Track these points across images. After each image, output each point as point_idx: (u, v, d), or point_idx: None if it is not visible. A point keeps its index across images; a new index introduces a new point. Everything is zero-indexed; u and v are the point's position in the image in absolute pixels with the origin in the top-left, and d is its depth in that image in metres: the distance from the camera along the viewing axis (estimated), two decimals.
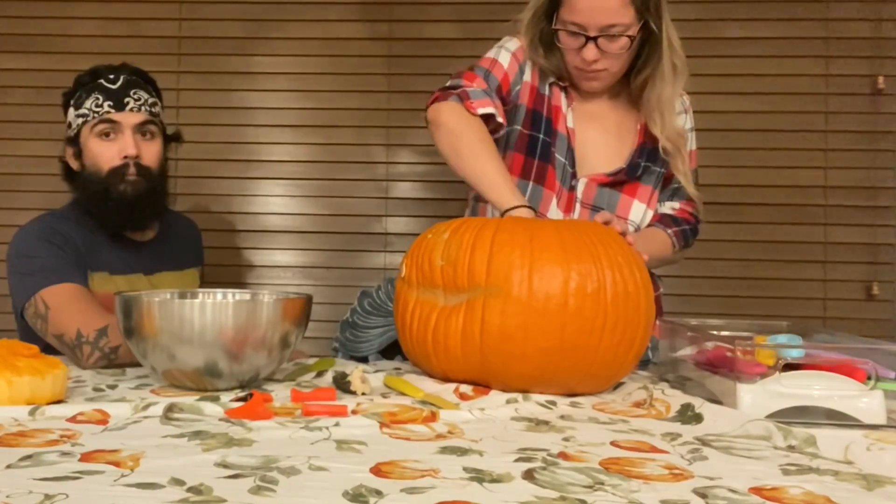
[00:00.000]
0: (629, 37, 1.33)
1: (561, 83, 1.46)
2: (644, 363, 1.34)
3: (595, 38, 1.32)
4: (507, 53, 1.44)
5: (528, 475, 0.69)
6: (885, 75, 2.12)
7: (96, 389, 1.08)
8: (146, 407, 0.91)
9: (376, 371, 1.20)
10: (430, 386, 1.07)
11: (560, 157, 1.44)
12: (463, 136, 1.32)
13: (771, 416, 0.91)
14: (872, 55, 2.14)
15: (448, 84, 1.41)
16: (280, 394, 1.03)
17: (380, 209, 2.22)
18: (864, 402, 0.92)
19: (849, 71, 2.14)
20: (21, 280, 1.36)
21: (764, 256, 2.14)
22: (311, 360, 1.29)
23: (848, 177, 2.14)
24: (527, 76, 1.45)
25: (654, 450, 0.79)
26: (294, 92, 2.23)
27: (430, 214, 2.17)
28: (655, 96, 1.40)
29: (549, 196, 1.43)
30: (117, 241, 1.49)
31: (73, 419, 0.87)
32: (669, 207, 1.51)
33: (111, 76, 1.46)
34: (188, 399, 0.94)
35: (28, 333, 1.39)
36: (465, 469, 0.70)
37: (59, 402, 0.95)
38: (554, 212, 1.43)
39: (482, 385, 1.06)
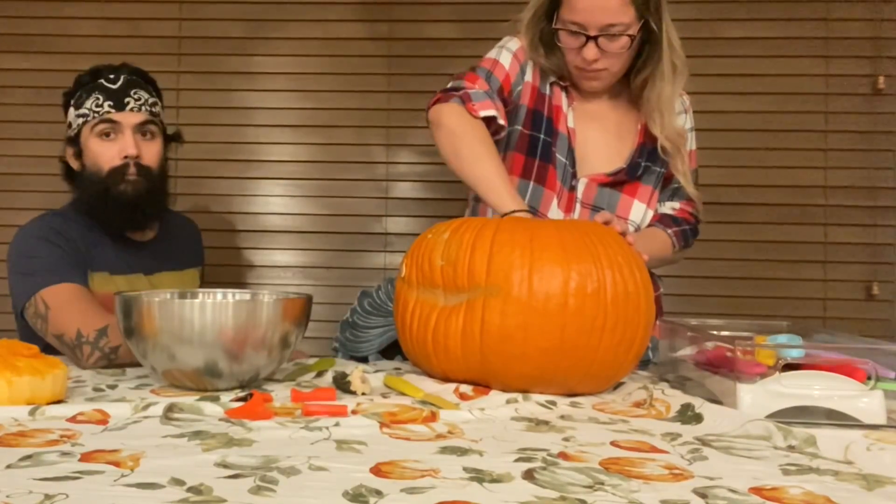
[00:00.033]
0: (629, 36, 1.33)
1: (562, 83, 1.46)
2: (644, 363, 1.34)
3: (595, 38, 1.32)
4: (508, 54, 1.44)
5: (528, 475, 0.69)
6: (885, 75, 2.12)
7: (96, 389, 1.08)
8: (146, 407, 0.91)
9: (376, 371, 1.20)
10: (430, 386, 1.07)
11: (561, 157, 1.44)
12: (464, 139, 1.32)
13: (771, 416, 0.91)
14: (872, 55, 2.14)
15: (450, 86, 1.41)
16: (280, 394, 1.03)
17: (380, 209, 2.22)
18: (864, 402, 0.92)
19: (849, 71, 2.14)
20: (21, 280, 1.36)
21: (764, 256, 2.14)
22: (311, 360, 1.29)
23: (848, 177, 2.14)
24: (528, 76, 1.45)
25: (654, 450, 0.79)
26: (294, 92, 2.23)
27: (430, 214, 2.17)
28: (655, 96, 1.40)
29: (550, 196, 1.43)
30: (117, 240, 1.49)
31: (73, 419, 0.87)
32: (669, 207, 1.51)
33: (111, 76, 1.46)
34: (188, 399, 0.94)
35: (28, 333, 1.39)
36: (465, 469, 0.70)
37: (59, 402, 0.95)
38: (554, 212, 1.43)
39: (482, 385, 1.06)
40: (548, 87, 1.46)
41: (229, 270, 2.21)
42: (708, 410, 0.93)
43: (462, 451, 0.76)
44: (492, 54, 1.45)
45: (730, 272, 2.15)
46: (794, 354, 0.97)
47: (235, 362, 1.03)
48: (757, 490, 0.66)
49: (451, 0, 2.21)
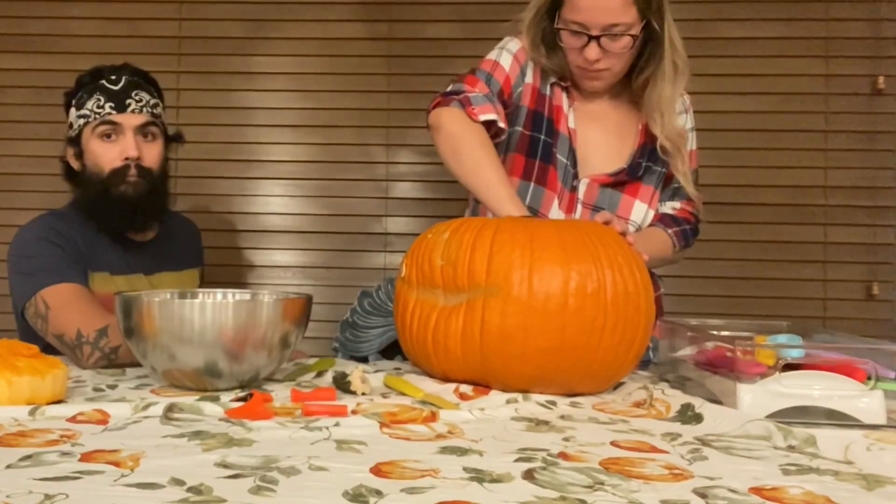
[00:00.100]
0: (631, 36, 1.33)
1: (562, 83, 1.45)
2: (644, 363, 1.34)
3: (597, 38, 1.32)
4: (508, 55, 1.44)
5: (528, 475, 0.69)
6: (885, 75, 2.12)
7: (96, 389, 1.08)
8: (146, 407, 0.91)
9: (376, 371, 1.20)
10: (430, 386, 1.07)
11: (561, 158, 1.44)
12: (464, 143, 1.32)
13: (771, 416, 0.91)
14: (872, 55, 2.14)
15: (449, 89, 1.41)
16: (280, 394, 1.03)
17: (380, 209, 2.22)
18: (864, 402, 0.92)
19: (849, 71, 2.14)
20: (21, 280, 1.37)
21: (764, 256, 2.14)
22: (311, 360, 1.29)
23: (848, 177, 2.14)
24: (528, 78, 1.45)
25: (654, 450, 0.79)
26: (294, 92, 2.23)
27: (430, 214, 2.17)
28: (656, 96, 1.40)
29: (551, 197, 1.43)
30: (118, 241, 1.49)
31: (73, 419, 0.87)
32: (670, 207, 1.51)
33: (113, 77, 1.46)
34: (188, 399, 0.94)
35: (28, 333, 1.39)
36: (465, 469, 0.70)
37: (59, 402, 0.95)
38: (555, 212, 1.43)
39: (482, 385, 1.06)
40: (548, 87, 1.46)
41: (229, 270, 2.21)
42: (708, 410, 0.93)
43: (462, 451, 0.76)
44: (492, 56, 1.45)
45: (730, 272, 2.15)
46: (794, 354, 0.97)
47: (235, 362, 1.03)
48: (757, 490, 0.66)
49: (451, 0, 2.21)
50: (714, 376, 1.03)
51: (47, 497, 0.60)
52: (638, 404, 1.02)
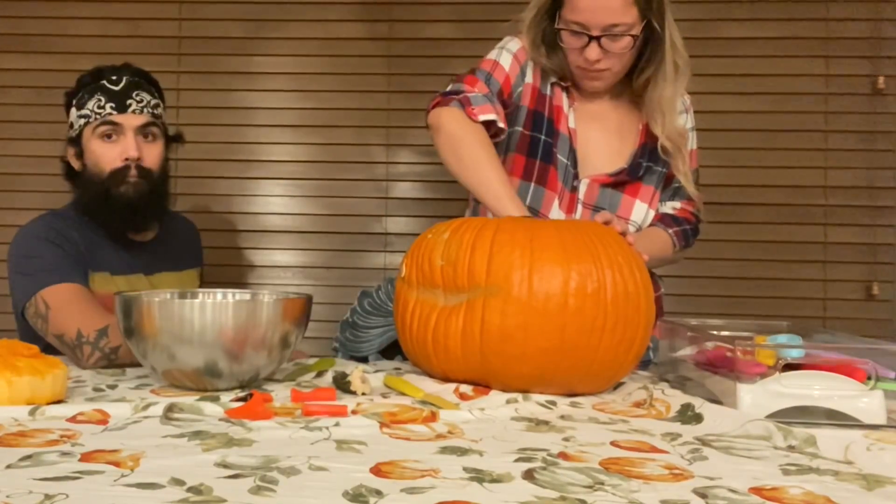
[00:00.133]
0: (632, 36, 1.32)
1: (563, 83, 1.45)
2: (644, 363, 1.34)
3: (598, 38, 1.32)
4: (508, 55, 1.44)
5: (528, 475, 0.69)
6: (885, 75, 2.12)
7: (96, 389, 1.08)
8: (146, 407, 0.91)
9: (376, 371, 1.20)
10: (430, 386, 1.07)
11: (562, 158, 1.43)
12: (464, 143, 1.32)
13: (771, 416, 0.91)
14: (872, 55, 2.14)
15: (449, 89, 1.41)
16: (280, 394, 1.03)
17: (380, 209, 2.22)
18: (864, 402, 0.92)
19: (849, 71, 2.14)
20: (22, 280, 1.37)
21: (764, 256, 2.14)
22: (311, 360, 1.29)
23: (848, 177, 2.14)
24: (528, 77, 1.45)
25: (654, 450, 0.79)
26: (294, 92, 2.23)
27: (430, 214, 2.17)
28: (657, 96, 1.40)
29: (551, 197, 1.43)
30: (118, 241, 1.49)
31: (73, 419, 0.87)
32: (670, 207, 1.51)
33: (114, 77, 1.46)
34: (188, 399, 0.94)
35: (28, 333, 1.39)
36: (465, 469, 0.70)
37: (59, 402, 0.95)
38: (556, 212, 1.43)
39: (482, 385, 1.06)
40: (548, 87, 1.46)
41: (229, 270, 2.21)
42: (708, 410, 0.93)
43: (462, 451, 0.76)
44: (492, 55, 1.45)
45: (730, 272, 2.15)
46: (794, 354, 0.97)
47: (235, 362, 1.03)
48: (757, 490, 0.66)
49: (451, 0, 2.21)
50: (714, 376, 1.03)
51: (47, 497, 0.60)
52: (638, 404, 1.02)
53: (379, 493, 0.63)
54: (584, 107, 1.47)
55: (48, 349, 1.22)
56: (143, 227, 1.52)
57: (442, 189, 2.18)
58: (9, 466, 0.68)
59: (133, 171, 1.44)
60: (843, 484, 0.69)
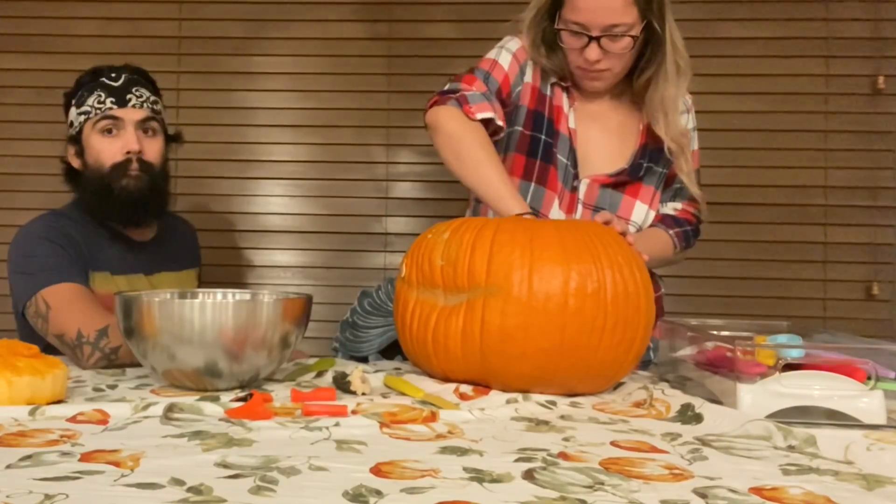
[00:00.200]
0: (632, 37, 1.32)
1: (563, 83, 1.45)
2: (644, 363, 1.34)
3: (598, 38, 1.32)
4: (507, 54, 1.44)
5: (528, 475, 0.69)
6: (885, 75, 2.12)
7: (96, 389, 1.08)
8: (146, 407, 0.91)
9: (376, 371, 1.20)
10: (430, 386, 1.07)
11: (562, 158, 1.43)
12: (463, 142, 1.32)
13: (771, 416, 0.91)
14: (872, 55, 2.14)
15: (447, 88, 1.40)
16: (280, 394, 1.03)
17: (380, 209, 2.22)
18: (864, 402, 0.92)
19: (849, 71, 2.14)
20: (22, 279, 1.37)
21: (764, 256, 2.14)
22: (311, 360, 1.29)
23: (848, 177, 2.14)
24: (528, 77, 1.45)
25: (654, 450, 0.79)
26: (294, 92, 2.23)
27: (430, 214, 2.17)
28: (659, 97, 1.39)
29: (551, 197, 1.43)
30: (118, 240, 1.49)
31: (73, 419, 0.87)
32: (671, 208, 1.51)
33: (113, 74, 1.47)
34: (188, 399, 0.94)
35: (28, 333, 1.39)
36: (465, 469, 0.70)
37: (59, 402, 0.95)
38: (556, 213, 1.43)
39: (482, 385, 1.06)
40: (548, 87, 1.46)
41: (229, 270, 2.21)
42: (708, 410, 0.93)
43: (462, 451, 0.76)
44: (491, 55, 1.45)
45: (730, 272, 2.15)
46: (794, 354, 0.97)
47: (235, 362, 1.03)
48: (757, 490, 0.66)
49: (451, 0, 2.21)
50: (714, 376, 1.03)
51: (47, 497, 0.60)
52: (638, 404, 1.02)
53: (379, 493, 0.63)
54: (584, 107, 1.47)
55: (48, 349, 1.22)
56: (143, 223, 1.52)
57: (442, 189, 2.18)
58: (9, 466, 0.68)
59: (134, 165, 1.44)
60: (843, 484, 0.69)
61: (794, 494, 0.65)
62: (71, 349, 1.28)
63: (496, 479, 0.67)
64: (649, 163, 1.46)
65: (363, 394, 1.03)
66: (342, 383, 1.06)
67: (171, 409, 0.90)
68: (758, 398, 0.93)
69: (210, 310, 1.03)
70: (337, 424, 0.86)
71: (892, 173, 2.13)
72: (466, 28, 2.19)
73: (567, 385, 1.05)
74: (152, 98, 1.49)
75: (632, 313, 1.04)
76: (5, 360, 0.93)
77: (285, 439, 0.80)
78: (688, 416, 0.94)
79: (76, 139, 1.48)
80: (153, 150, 1.48)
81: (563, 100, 1.45)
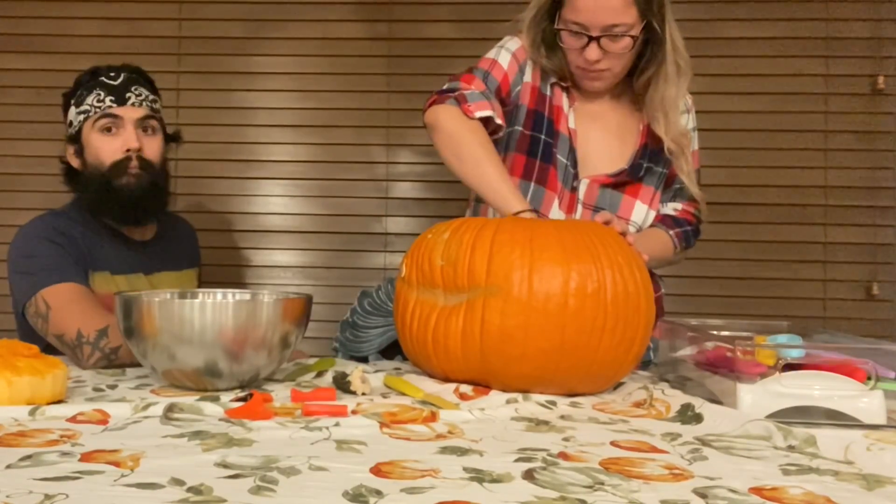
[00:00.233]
0: (632, 37, 1.32)
1: (563, 83, 1.45)
2: (644, 363, 1.34)
3: (598, 38, 1.32)
4: (507, 54, 1.44)
5: (528, 475, 0.69)
6: (885, 75, 2.12)
7: (96, 389, 1.08)
8: (146, 407, 0.91)
9: (376, 371, 1.20)
10: (430, 386, 1.07)
11: (561, 158, 1.43)
12: (463, 141, 1.32)
13: (771, 416, 0.91)
14: (872, 55, 2.14)
15: (445, 87, 1.40)
16: (280, 394, 1.03)
17: (380, 209, 2.22)
18: (864, 402, 0.92)
19: (849, 71, 2.14)
20: (22, 279, 1.37)
21: (764, 256, 2.14)
22: (311, 360, 1.29)
23: (848, 177, 2.14)
24: (527, 76, 1.45)
25: (654, 450, 0.79)
26: (294, 92, 2.23)
27: (430, 214, 2.17)
28: (659, 97, 1.39)
29: (551, 197, 1.43)
30: (118, 240, 1.49)
31: (73, 419, 0.87)
32: (672, 208, 1.51)
33: (112, 73, 1.47)
34: (188, 399, 0.94)
35: (28, 333, 1.39)
36: (465, 469, 0.70)
37: (59, 402, 0.95)
38: (556, 212, 1.43)
39: (482, 385, 1.06)
40: (548, 87, 1.45)
41: (229, 270, 2.21)
42: (708, 410, 0.93)
43: (462, 451, 0.76)
44: (490, 54, 1.45)
45: (730, 272, 2.15)
46: (794, 354, 0.97)
47: (235, 362, 1.03)
48: (757, 490, 0.66)
49: (451, 0, 2.21)
50: (714, 376, 1.03)
51: (47, 497, 0.60)
52: (638, 404, 1.02)
53: (379, 493, 0.63)
54: (584, 107, 1.47)
55: (48, 349, 1.22)
56: (143, 221, 1.52)
57: (442, 189, 2.18)
58: (9, 466, 0.68)
59: (134, 163, 1.44)
60: (843, 484, 0.69)
61: (794, 494, 0.65)
62: (71, 349, 1.28)
63: (496, 479, 0.67)
64: (649, 163, 1.46)
65: (363, 394, 1.03)
66: (342, 383, 1.06)
67: (171, 409, 0.90)
68: (758, 398, 0.93)
69: (210, 310, 1.03)
70: (337, 424, 0.86)
71: (892, 173, 2.13)
72: (466, 28, 2.19)
73: (567, 385, 1.05)
74: (151, 97, 1.50)
75: (632, 313, 1.04)
76: (5, 360, 0.93)
77: (285, 439, 0.80)
78: (688, 416, 0.94)
79: (75, 138, 1.49)
80: (153, 148, 1.48)
81: (563, 100, 1.45)
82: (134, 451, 0.73)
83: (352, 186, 2.22)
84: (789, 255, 2.14)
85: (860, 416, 0.92)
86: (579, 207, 1.43)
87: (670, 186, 1.50)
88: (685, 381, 1.12)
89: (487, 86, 1.39)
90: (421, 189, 2.22)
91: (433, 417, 0.90)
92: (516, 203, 1.24)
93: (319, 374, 1.18)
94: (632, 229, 1.42)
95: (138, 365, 1.19)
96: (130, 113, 1.45)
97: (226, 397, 0.97)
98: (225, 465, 0.70)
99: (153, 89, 1.52)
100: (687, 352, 1.15)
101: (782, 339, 1.06)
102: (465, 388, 1.05)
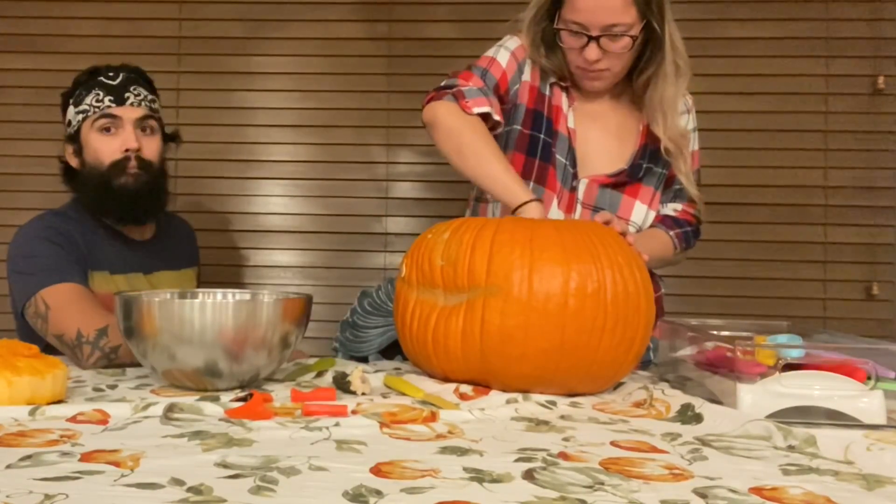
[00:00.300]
0: (631, 37, 1.32)
1: (562, 83, 1.45)
2: (644, 363, 1.33)
3: (597, 38, 1.32)
4: (506, 52, 1.44)
5: (528, 475, 0.69)
6: (885, 75, 2.12)
7: (96, 389, 1.08)
8: (146, 407, 0.91)
9: (376, 371, 1.20)
10: (430, 386, 1.07)
11: (561, 158, 1.43)
12: (463, 136, 1.32)
13: (771, 416, 0.91)
14: (872, 55, 2.14)
15: (443, 84, 1.40)
16: (280, 394, 1.03)
17: (380, 209, 2.22)
18: (864, 402, 0.92)
19: (849, 71, 2.14)
20: (21, 279, 1.37)
21: (764, 256, 2.14)
22: (311, 360, 1.29)
23: (848, 177, 2.14)
24: (526, 76, 1.45)
25: (654, 450, 0.79)
26: (294, 92, 2.23)
27: (430, 214, 2.17)
28: (658, 97, 1.39)
29: (550, 196, 1.43)
30: (117, 239, 1.49)
31: (73, 419, 0.87)
32: (672, 209, 1.51)
33: (111, 73, 1.47)
34: (188, 399, 0.94)
35: (28, 333, 1.39)
36: (465, 469, 0.70)
37: (59, 402, 0.95)
38: (555, 212, 1.43)
39: (482, 385, 1.06)
40: (548, 87, 1.45)
41: (229, 270, 2.21)
42: (708, 410, 0.93)
43: (462, 451, 0.76)
44: (489, 52, 1.45)
45: (730, 272, 2.15)
46: (794, 354, 0.97)
47: (235, 362, 1.03)
48: (757, 490, 0.66)
49: (451, 0, 2.21)
50: (714, 376, 1.03)
51: (47, 497, 0.60)
52: (638, 404, 1.02)
53: (379, 493, 0.63)
54: (583, 107, 1.47)
55: (48, 349, 1.22)
56: (142, 220, 1.52)
57: (442, 189, 2.18)
58: (9, 466, 0.68)
59: (133, 163, 1.44)
60: (843, 484, 0.69)
61: (794, 494, 0.65)
62: (70, 349, 1.28)
63: (496, 479, 0.67)
64: (649, 163, 1.46)
65: (363, 394, 1.03)
66: (342, 383, 1.06)
67: (171, 409, 0.90)
68: (758, 398, 0.93)
69: (210, 310, 1.03)
70: (337, 424, 0.86)
71: (892, 173, 2.13)
72: (467, 28, 2.19)
73: (567, 385, 1.05)
74: (150, 97, 1.50)
75: (632, 313, 1.04)
76: (5, 360, 0.93)
77: (285, 439, 0.80)
78: (688, 416, 0.94)
79: (74, 138, 1.49)
80: (151, 148, 1.48)
81: (563, 100, 1.45)
82: (134, 451, 0.73)
83: (352, 186, 2.22)
84: (789, 255, 2.14)
85: (860, 416, 0.92)
86: (578, 207, 1.43)
87: (670, 187, 1.50)
88: (685, 381, 1.12)
89: (485, 83, 1.39)
90: (421, 189, 2.22)
91: (433, 417, 0.90)
92: (522, 194, 1.24)
93: (319, 374, 1.18)
94: (631, 229, 1.42)
95: (138, 365, 1.19)
96: (129, 113, 1.45)
97: (226, 397, 0.97)
98: (225, 465, 0.70)
99: (152, 89, 1.52)
100: (687, 352, 1.15)
101: (782, 339, 1.06)
102: (465, 388, 1.05)
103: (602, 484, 0.66)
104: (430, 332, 1.07)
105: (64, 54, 2.19)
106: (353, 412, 0.91)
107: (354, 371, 1.07)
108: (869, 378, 0.94)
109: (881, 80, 2.12)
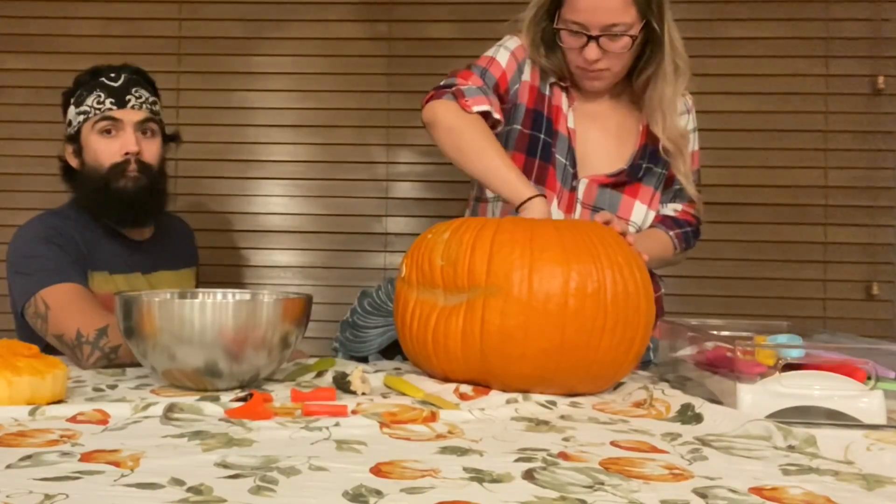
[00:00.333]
0: (631, 36, 1.32)
1: (562, 83, 1.45)
2: (644, 363, 1.34)
3: (597, 38, 1.32)
4: (506, 52, 1.44)
5: (528, 475, 0.69)
6: (885, 75, 2.12)
7: (96, 389, 1.08)
8: (146, 407, 0.91)
9: (376, 371, 1.20)
10: (430, 386, 1.07)
11: (560, 158, 1.43)
12: (464, 134, 1.32)
13: (771, 416, 0.91)
14: (872, 55, 2.14)
15: (442, 83, 1.40)
16: (280, 394, 1.03)
17: (380, 209, 2.22)
18: (864, 402, 0.92)
19: (849, 71, 2.14)
20: (21, 280, 1.37)
21: (764, 256, 2.14)
22: (311, 360, 1.29)
23: (848, 177, 2.14)
24: (526, 75, 1.45)
25: (654, 450, 0.79)
26: (294, 92, 2.23)
27: (430, 214, 2.17)
28: (657, 96, 1.39)
29: (550, 196, 1.43)
30: (116, 240, 1.49)
31: (73, 419, 0.87)
32: (672, 209, 1.51)
33: (112, 74, 1.47)
34: (188, 399, 0.94)
35: (28, 333, 1.39)
36: (465, 469, 0.70)
37: (59, 402, 0.95)
38: (555, 212, 1.43)
39: (482, 385, 1.06)
40: (547, 87, 1.45)
41: (229, 270, 2.21)
42: (708, 410, 0.93)
43: (462, 451, 0.76)
44: (489, 52, 1.45)
45: (730, 272, 2.15)
46: (794, 354, 0.97)
47: (235, 362, 1.03)
48: (757, 490, 0.66)
49: (451, 0, 2.21)
50: (714, 376, 1.03)
51: (47, 497, 0.60)
52: (638, 404, 1.02)
53: (379, 493, 0.63)
54: (583, 107, 1.47)
55: (48, 349, 1.22)
56: (141, 223, 1.52)
57: (442, 189, 2.18)
58: (9, 466, 0.68)
59: (133, 166, 1.44)
60: (843, 484, 0.69)
61: (794, 494, 0.65)
62: (70, 349, 1.28)
63: (496, 479, 0.67)
64: (649, 163, 1.46)
65: (363, 394, 1.03)
66: (342, 383, 1.06)
67: (171, 409, 0.90)
68: (758, 398, 0.93)
69: (210, 310, 1.03)
70: (337, 424, 0.86)
71: (892, 173, 2.13)
72: (467, 28, 2.19)
73: (567, 385, 1.05)
74: (151, 99, 1.50)
75: (632, 313, 1.04)
76: (5, 360, 0.93)
77: (285, 439, 0.80)
78: (688, 416, 0.94)
79: (74, 138, 1.49)
80: (151, 151, 1.48)
81: (563, 99, 1.45)
82: (134, 451, 0.73)
83: (352, 186, 2.22)
84: (789, 255, 2.14)
85: (860, 416, 0.92)
86: (578, 207, 1.43)
87: (670, 187, 1.50)
88: (685, 381, 1.12)
89: (485, 82, 1.39)
90: (421, 189, 2.22)
91: (433, 417, 0.90)
92: (525, 190, 1.23)
93: (319, 374, 1.18)
94: (631, 229, 1.42)
95: (138, 364, 1.19)
96: (130, 116, 1.45)
97: (226, 397, 0.97)
98: (225, 465, 0.70)
99: (153, 90, 1.52)
100: (687, 352, 1.15)
101: (782, 339, 1.06)
102: (465, 388, 1.05)
103: (602, 484, 0.66)
104: (430, 332, 1.07)
105: (64, 54, 2.19)
106: (353, 412, 0.91)
107: (354, 371, 1.07)
108: (869, 378, 0.94)
109: (881, 80, 2.12)
